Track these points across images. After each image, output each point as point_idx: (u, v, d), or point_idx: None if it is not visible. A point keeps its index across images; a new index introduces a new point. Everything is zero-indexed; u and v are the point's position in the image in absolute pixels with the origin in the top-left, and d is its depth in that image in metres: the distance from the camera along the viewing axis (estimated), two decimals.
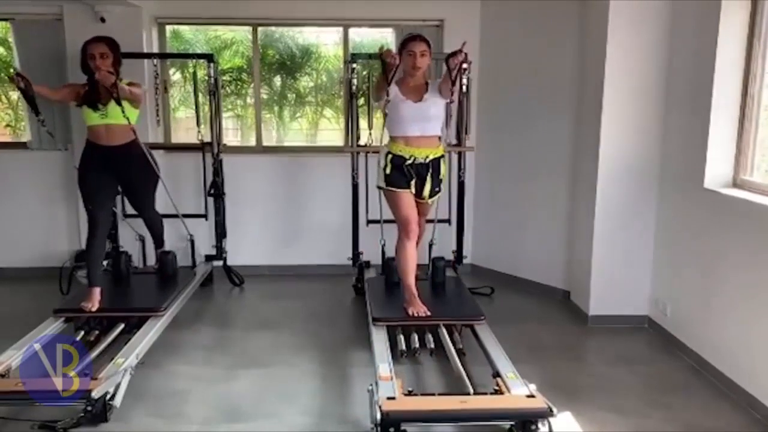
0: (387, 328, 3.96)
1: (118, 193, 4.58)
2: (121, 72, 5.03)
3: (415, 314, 4.04)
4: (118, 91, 4.08)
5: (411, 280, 4.14)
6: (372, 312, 4.17)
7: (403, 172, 4.03)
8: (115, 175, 4.34)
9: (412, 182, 4.06)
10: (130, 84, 4.25)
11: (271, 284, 5.62)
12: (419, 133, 4.01)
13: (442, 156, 4.14)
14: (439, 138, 4.15)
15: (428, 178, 4.07)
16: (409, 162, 4.01)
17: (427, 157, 4.03)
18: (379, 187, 4.18)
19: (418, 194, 4.12)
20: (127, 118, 4.22)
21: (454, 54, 3.75)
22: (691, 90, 4.04)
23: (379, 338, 3.80)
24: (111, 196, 4.46)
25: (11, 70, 4.05)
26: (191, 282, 4.93)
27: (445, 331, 3.98)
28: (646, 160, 4.43)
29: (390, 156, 4.04)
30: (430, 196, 4.17)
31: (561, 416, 3.12)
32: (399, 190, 4.05)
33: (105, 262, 4.92)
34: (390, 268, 4.75)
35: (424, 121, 4.01)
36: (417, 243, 4.26)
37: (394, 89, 3.98)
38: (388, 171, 4.05)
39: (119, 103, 4.13)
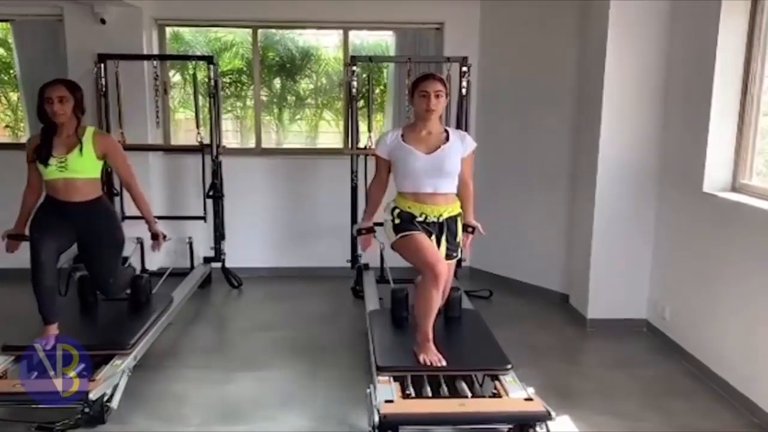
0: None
1: (68, 246, 3.79)
2: (121, 75, 5.07)
3: (428, 363, 3.39)
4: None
5: (428, 325, 3.44)
6: (376, 358, 3.47)
7: (413, 223, 3.40)
8: (72, 233, 3.71)
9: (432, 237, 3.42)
10: (98, 135, 3.73)
11: (269, 286, 5.61)
12: (432, 190, 3.38)
13: (459, 215, 3.53)
14: (455, 195, 3.53)
15: (443, 239, 3.44)
16: (420, 220, 3.39)
17: (440, 215, 3.41)
18: (393, 246, 3.48)
19: None
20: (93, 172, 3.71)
21: (469, 230, 3.61)
22: (691, 93, 4.05)
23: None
24: (61, 238, 3.67)
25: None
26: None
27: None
28: (646, 163, 4.43)
29: (397, 211, 3.42)
30: (445, 259, 3.45)
31: (559, 420, 3.12)
32: (413, 232, 3.37)
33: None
34: (396, 300, 4.09)
35: (438, 177, 3.37)
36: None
37: (392, 143, 3.43)
38: (396, 222, 3.41)
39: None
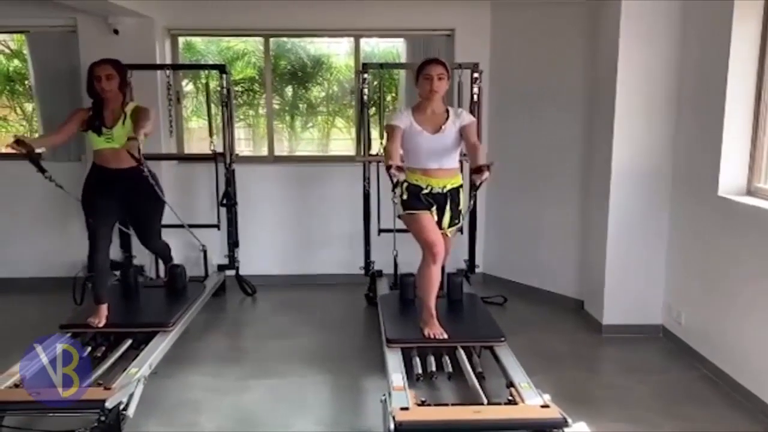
0: (402, 350, 3.78)
1: (121, 215, 4.38)
2: (132, 83, 5.10)
3: (432, 336, 3.85)
4: (139, 153, 3.84)
5: (431, 301, 3.92)
6: (386, 332, 3.97)
7: (420, 199, 3.81)
8: (120, 198, 4.18)
9: (433, 209, 3.83)
10: (137, 110, 4.13)
11: (283, 294, 5.62)
12: (437, 166, 3.80)
13: (461, 186, 3.94)
14: (459, 167, 3.96)
15: (447, 208, 3.85)
16: (426, 191, 3.80)
17: (444, 186, 3.82)
18: (400, 216, 3.94)
19: (438, 223, 3.87)
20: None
21: (480, 170, 3.48)
22: (704, 95, 4.02)
23: (394, 360, 3.63)
24: (114, 214, 4.26)
25: (11, 140, 3.92)
26: (201, 296, 4.83)
27: (463, 353, 3.79)
28: (659, 167, 4.41)
29: (406, 184, 3.81)
30: (449, 226, 3.91)
31: (575, 426, 3.11)
32: (419, 212, 3.80)
33: (116, 272, 4.96)
34: (405, 284, 4.62)
35: (443, 154, 3.80)
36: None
37: (408, 119, 3.78)
38: (405, 197, 3.82)
39: (137, 157, 3.86)
